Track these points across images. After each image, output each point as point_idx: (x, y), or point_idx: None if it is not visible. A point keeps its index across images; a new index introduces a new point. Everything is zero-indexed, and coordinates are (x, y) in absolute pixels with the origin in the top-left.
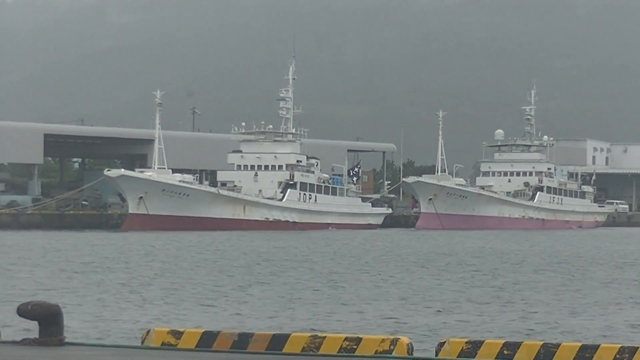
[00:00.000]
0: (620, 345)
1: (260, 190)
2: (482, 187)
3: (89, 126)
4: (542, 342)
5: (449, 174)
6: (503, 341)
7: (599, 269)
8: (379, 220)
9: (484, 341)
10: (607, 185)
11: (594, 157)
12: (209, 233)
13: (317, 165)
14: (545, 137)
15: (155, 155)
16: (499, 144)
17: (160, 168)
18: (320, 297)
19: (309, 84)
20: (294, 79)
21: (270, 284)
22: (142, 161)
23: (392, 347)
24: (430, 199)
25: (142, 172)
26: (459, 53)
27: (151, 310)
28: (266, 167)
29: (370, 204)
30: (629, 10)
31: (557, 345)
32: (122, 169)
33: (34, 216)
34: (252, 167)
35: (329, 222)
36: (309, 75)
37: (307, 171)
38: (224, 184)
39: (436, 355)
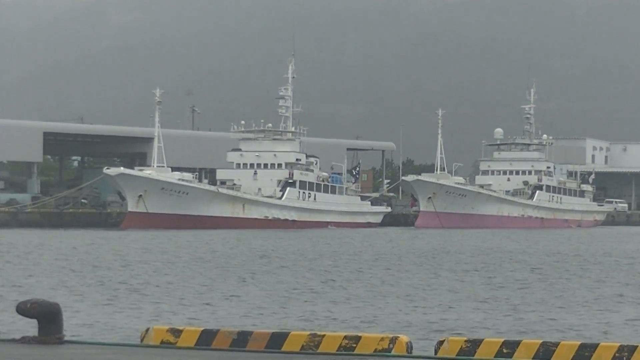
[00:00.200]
0: (619, 344)
1: (259, 189)
2: (482, 186)
3: (89, 124)
4: (541, 341)
5: (448, 172)
6: (502, 340)
7: (595, 267)
8: (378, 219)
9: (483, 340)
10: (606, 184)
11: (593, 156)
12: (207, 231)
13: (316, 164)
14: (545, 135)
15: (154, 154)
16: (498, 142)
17: (159, 166)
18: (320, 295)
19: (308, 83)
20: (294, 77)
21: (269, 282)
22: (142, 159)
23: (391, 346)
24: (430, 197)
25: (141, 170)
26: (458, 53)
27: (150, 308)
28: (265, 165)
29: (369, 203)
30: (628, 10)
31: (557, 344)
32: (122, 168)
33: (33, 214)
34: (252, 165)
35: (328, 220)
36: (308, 74)
37: (307, 170)
38: (223, 183)
39: (435, 354)
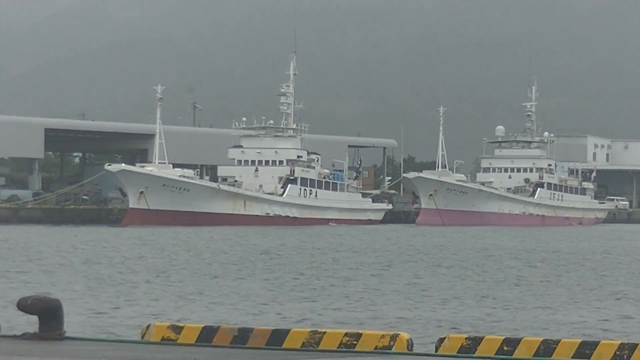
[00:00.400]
0: (620, 342)
1: (260, 186)
2: (483, 183)
3: (90, 121)
4: (542, 339)
5: (449, 169)
6: (503, 337)
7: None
8: (380, 216)
9: (483, 337)
10: (607, 182)
11: (594, 154)
12: (207, 228)
13: (317, 161)
14: (546, 133)
15: (155, 150)
16: (499, 140)
17: (160, 163)
18: (320, 292)
19: (309, 80)
20: (295, 74)
21: (270, 279)
22: (143, 156)
23: (392, 343)
24: (431, 194)
25: (142, 167)
26: (459, 50)
27: (151, 304)
28: (267, 162)
29: (370, 200)
30: (629, 8)
31: (557, 342)
32: (123, 164)
33: (34, 211)
34: (253, 162)
35: (330, 217)
36: (309, 71)
37: (308, 166)
38: (224, 179)
39: (436, 351)
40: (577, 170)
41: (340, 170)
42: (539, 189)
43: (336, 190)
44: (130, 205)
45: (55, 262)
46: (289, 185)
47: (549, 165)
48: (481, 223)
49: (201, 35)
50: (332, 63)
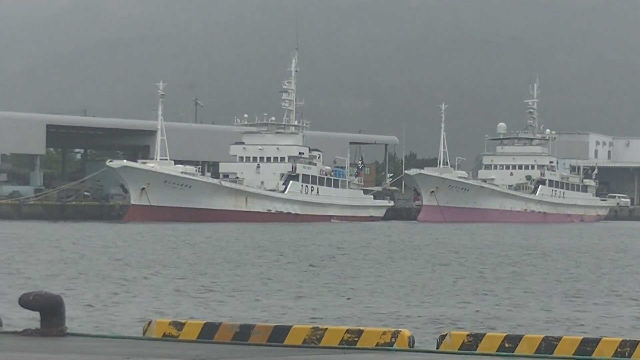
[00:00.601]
0: (621, 339)
1: (262, 182)
2: (484, 180)
3: (92, 117)
4: (543, 336)
5: (451, 166)
6: (504, 334)
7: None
8: (381, 213)
9: (485, 334)
10: (609, 179)
11: (596, 151)
12: (209, 224)
13: (319, 158)
14: (548, 130)
15: (157, 147)
16: (501, 137)
17: (162, 159)
18: (322, 289)
19: (311, 77)
20: (297, 71)
21: (271, 276)
22: (145, 152)
23: (393, 340)
24: (432, 191)
25: (144, 163)
26: (460, 47)
27: (153, 301)
28: (268, 159)
29: (372, 197)
30: (631, 6)
31: (559, 339)
32: (125, 160)
33: (36, 207)
34: (255, 158)
35: (331, 214)
36: (310, 68)
37: (309, 163)
38: (226, 176)
39: (437, 348)
40: (578, 168)
41: (341, 167)
42: (540, 186)
43: (338, 187)
44: (132, 202)
45: (56, 258)
46: (291, 181)
47: (551, 162)
48: (482, 220)
49: (203, 32)
50: (333, 60)
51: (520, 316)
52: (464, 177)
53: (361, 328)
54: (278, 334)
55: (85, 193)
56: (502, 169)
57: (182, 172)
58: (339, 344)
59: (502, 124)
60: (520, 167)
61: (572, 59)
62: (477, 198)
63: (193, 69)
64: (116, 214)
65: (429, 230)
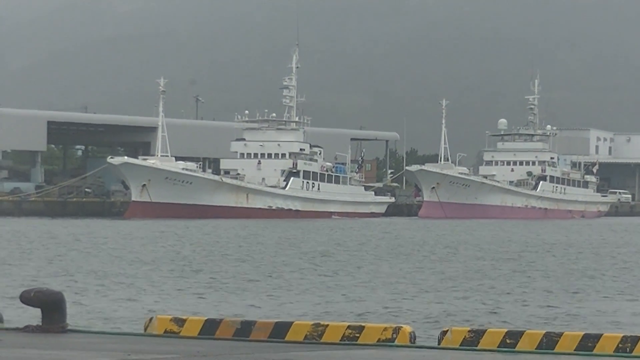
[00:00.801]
0: (622, 335)
1: (263, 179)
2: (485, 176)
3: (93, 114)
4: (544, 331)
5: (452, 162)
6: (505, 330)
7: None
8: (382, 209)
9: (486, 330)
10: (610, 175)
11: (597, 147)
12: (210, 221)
13: (320, 154)
14: (549, 126)
15: (158, 143)
16: (502, 133)
17: (163, 156)
18: (323, 285)
19: (312, 73)
20: (298, 67)
21: (273, 273)
22: (146, 149)
23: (394, 336)
24: (433, 187)
25: (145, 159)
26: (461, 43)
27: (154, 297)
28: (269, 155)
29: (373, 193)
30: (631, 1)
31: (560, 334)
32: (126, 157)
33: (37, 203)
34: (255, 155)
35: (332, 210)
36: (311, 65)
37: (310, 159)
38: (227, 172)
39: (439, 344)
40: (579, 164)
41: (342, 164)
42: (541, 182)
43: (339, 183)
44: (133, 198)
45: (57, 255)
46: (292, 178)
47: (552, 158)
48: (483, 216)
49: (204, 28)
50: (334, 56)
51: (522, 312)
52: (465, 173)
53: (362, 324)
54: (279, 330)
55: (86, 189)
56: (503, 165)
57: (183, 169)
58: (340, 340)
59: (503, 120)
60: (521, 163)
61: (573, 54)
62: (478, 194)
63: (194, 66)
64: (117, 210)
65: (429, 227)
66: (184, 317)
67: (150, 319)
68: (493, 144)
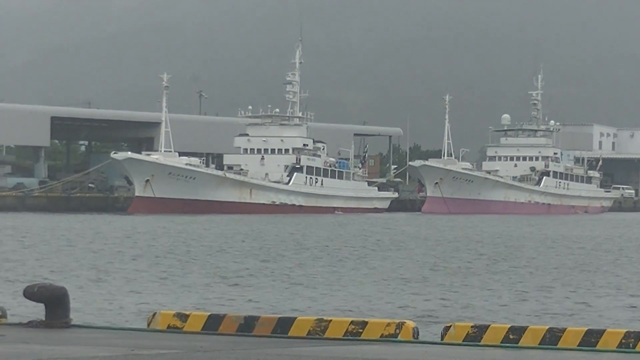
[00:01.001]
0: (625, 330)
1: (266, 174)
2: (488, 172)
3: (96, 109)
4: (547, 327)
5: (455, 158)
6: (509, 325)
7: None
8: (385, 205)
9: (489, 325)
10: (613, 171)
11: (600, 142)
12: (213, 216)
13: (323, 149)
14: (552, 122)
15: (161, 138)
16: (505, 128)
17: (166, 151)
18: (325, 281)
19: (315, 69)
20: (301, 63)
21: (276, 268)
22: (149, 144)
23: (397, 331)
24: (437, 183)
25: (148, 155)
26: (464, 39)
27: (158, 292)
28: (272, 150)
29: (376, 188)
30: None
31: (563, 330)
32: (129, 152)
33: (40, 199)
34: (259, 150)
35: (335, 206)
36: (314, 60)
37: (314, 155)
38: (230, 168)
39: (442, 340)
40: (582, 159)
41: (346, 159)
42: (544, 178)
43: (342, 178)
44: (136, 194)
45: (61, 250)
46: (295, 173)
47: (555, 153)
48: (487, 211)
49: (207, 23)
50: (338, 52)
51: (524, 307)
52: (468, 169)
53: (365, 319)
54: (282, 326)
55: (90, 185)
56: (506, 160)
57: (186, 164)
58: (343, 336)
59: (506, 116)
60: (524, 158)
61: (576, 50)
62: (481, 189)
63: (197, 61)
64: (120, 205)
65: (433, 222)
66: (187, 313)
67: (154, 314)
68: (496, 140)
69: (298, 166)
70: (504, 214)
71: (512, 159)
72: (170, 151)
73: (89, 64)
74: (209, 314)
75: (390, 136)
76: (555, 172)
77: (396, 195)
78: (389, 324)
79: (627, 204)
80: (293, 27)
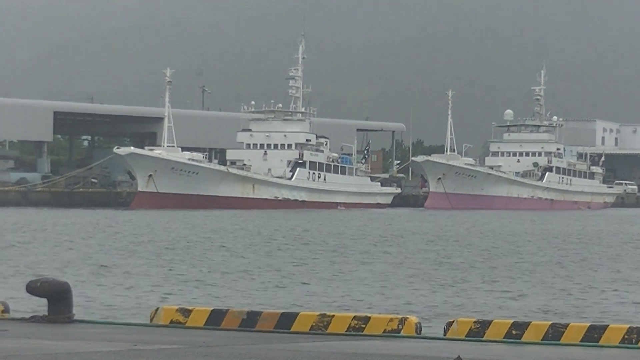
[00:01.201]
0: (628, 326)
1: (269, 169)
2: (491, 167)
3: (99, 104)
4: (550, 322)
5: (458, 153)
6: (511, 321)
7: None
8: (388, 200)
9: (492, 321)
10: (616, 166)
11: (603, 138)
12: (216, 211)
13: (326, 145)
14: (555, 117)
15: (164, 134)
16: (508, 124)
17: (169, 146)
18: (326, 278)
19: (318, 64)
20: (304, 58)
21: (278, 263)
22: (152, 139)
23: (400, 327)
24: (439, 178)
25: (151, 150)
26: (467, 34)
27: (160, 288)
28: (275, 146)
29: (379, 184)
30: None
31: (566, 326)
32: (132, 147)
33: (43, 194)
34: (262, 145)
35: (338, 201)
36: (317, 55)
37: (317, 150)
38: (233, 163)
39: (444, 335)
40: (585, 155)
41: (348, 154)
42: (547, 173)
43: (345, 174)
44: (139, 189)
45: (63, 245)
46: (298, 168)
47: (558, 149)
48: (489, 207)
49: (210, 18)
50: (340, 47)
51: (527, 303)
52: (471, 164)
53: (368, 315)
54: (285, 321)
55: (93, 180)
56: (509, 156)
57: (189, 159)
58: (346, 331)
59: (509, 111)
60: (527, 154)
61: (580, 45)
62: (484, 185)
63: (200, 56)
64: (123, 200)
65: (435, 218)
66: (190, 308)
67: (156, 310)
68: (499, 135)
69: (301, 161)
70: (506, 209)
71: (514, 154)
72: (173, 146)
73: (91, 59)
74: (212, 309)
75: (393, 131)
76: (558, 168)
77: (399, 190)
78: (391, 320)
79: (629, 199)
80: (296, 22)
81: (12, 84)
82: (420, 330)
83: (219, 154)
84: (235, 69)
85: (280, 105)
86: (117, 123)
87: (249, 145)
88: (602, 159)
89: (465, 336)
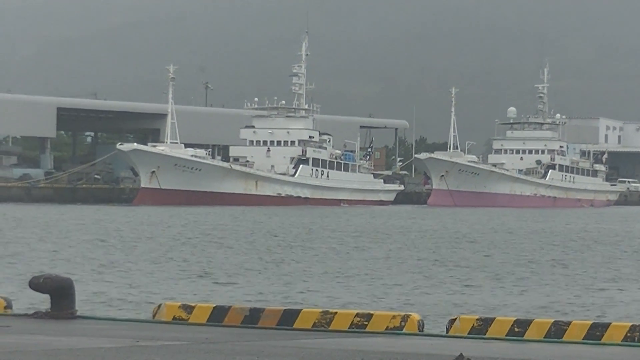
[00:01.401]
0: (631, 324)
1: (272, 166)
2: (494, 165)
3: (102, 100)
4: (552, 320)
5: (461, 151)
6: (514, 318)
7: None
8: (391, 197)
9: (494, 318)
10: (619, 164)
11: (606, 136)
12: (218, 208)
13: (329, 141)
14: (558, 115)
15: (167, 130)
16: (511, 121)
17: (172, 142)
18: (328, 274)
19: (321, 61)
20: (307, 55)
21: (278, 261)
22: (155, 135)
23: (403, 324)
24: (442, 175)
25: (154, 146)
26: (470, 32)
27: (163, 284)
28: (278, 142)
29: (382, 181)
30: None
31: (568, 323)
32: (135, 143)
33: (46, 190)
34: (265, 142)
35: (341, 198)
36: (320, 52)
37: (320, 147)
38: (236, 159)
39: (447, 332)
40: (588, 152)
41: (351, 151)
42: (550, 171)
43: (348, 170)
44: (142, 185)
45: (66, 241)
46: (301, 165)
47: (561, 147)
48: (492, 204)
49: (213, 15)
50: (344, 44)
51: (529, 301)
52: (474, 162)
53: (371, 312)
54: (288, 318)
55: (96, 176)
56: (512, 153)
57: (192, 156)
58: (348, 328)
59: (512, 109)
60: (530, 151)
61: (583, 43)
62: (487, 182)
63: (203, 53)
64: (126, 197)
65: (437, 215)
66: (193, 304)
67: (159, 306)
68: (502, 133)
69: (304, 158)
70: (509, 207)
71: (518, 152)
72: (176, 143)
73: (95, 55)
74: (214, 305)
75: (396, 129)
76: (561, 166)
77: (402, 187)
78: (394, 317)
79: (632, 197)
80: (299, 19)
81: (15, 80)
82: (423, 328)
83: (222, 151)
84: (239, 66)
85: (284, 102)
86: (120, 119)
87: (252, 141)
88: (605, 156)
89: (468, 334)
